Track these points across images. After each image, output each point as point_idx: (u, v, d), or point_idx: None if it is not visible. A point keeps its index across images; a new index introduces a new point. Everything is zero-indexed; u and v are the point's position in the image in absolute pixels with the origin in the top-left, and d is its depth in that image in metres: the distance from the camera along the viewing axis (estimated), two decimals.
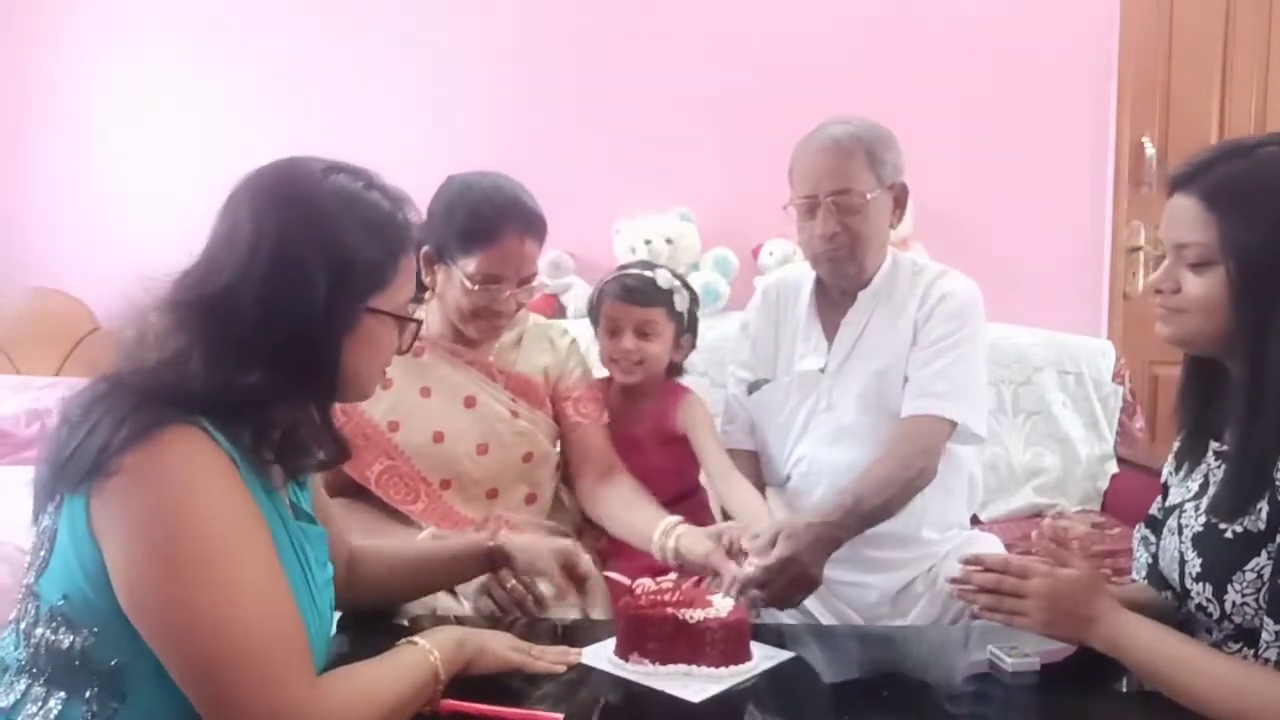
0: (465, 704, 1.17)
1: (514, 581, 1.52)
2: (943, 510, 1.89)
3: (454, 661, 1.17)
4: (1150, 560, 1.38)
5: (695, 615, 1.28)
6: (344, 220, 1.07)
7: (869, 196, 1.78)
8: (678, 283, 2.00)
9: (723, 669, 1.27)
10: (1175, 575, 1.29)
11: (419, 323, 1.18)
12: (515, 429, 1.83)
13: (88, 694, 0.99)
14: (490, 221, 1.70)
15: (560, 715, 1.15)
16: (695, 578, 1.45)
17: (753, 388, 1.99)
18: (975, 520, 2.46)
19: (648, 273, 1.99)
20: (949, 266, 1.95)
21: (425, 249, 1.76)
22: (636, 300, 1.95)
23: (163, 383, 1.00)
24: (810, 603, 1.85)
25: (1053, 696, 1.25)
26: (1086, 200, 3.24)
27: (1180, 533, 1.28)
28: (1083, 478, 2.82)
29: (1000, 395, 2.83)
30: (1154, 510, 1.41)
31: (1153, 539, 1.38)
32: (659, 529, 1.67)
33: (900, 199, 1.87)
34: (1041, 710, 1.25)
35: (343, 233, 1.06)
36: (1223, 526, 1.21)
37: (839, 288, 1.91)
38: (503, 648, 1.25)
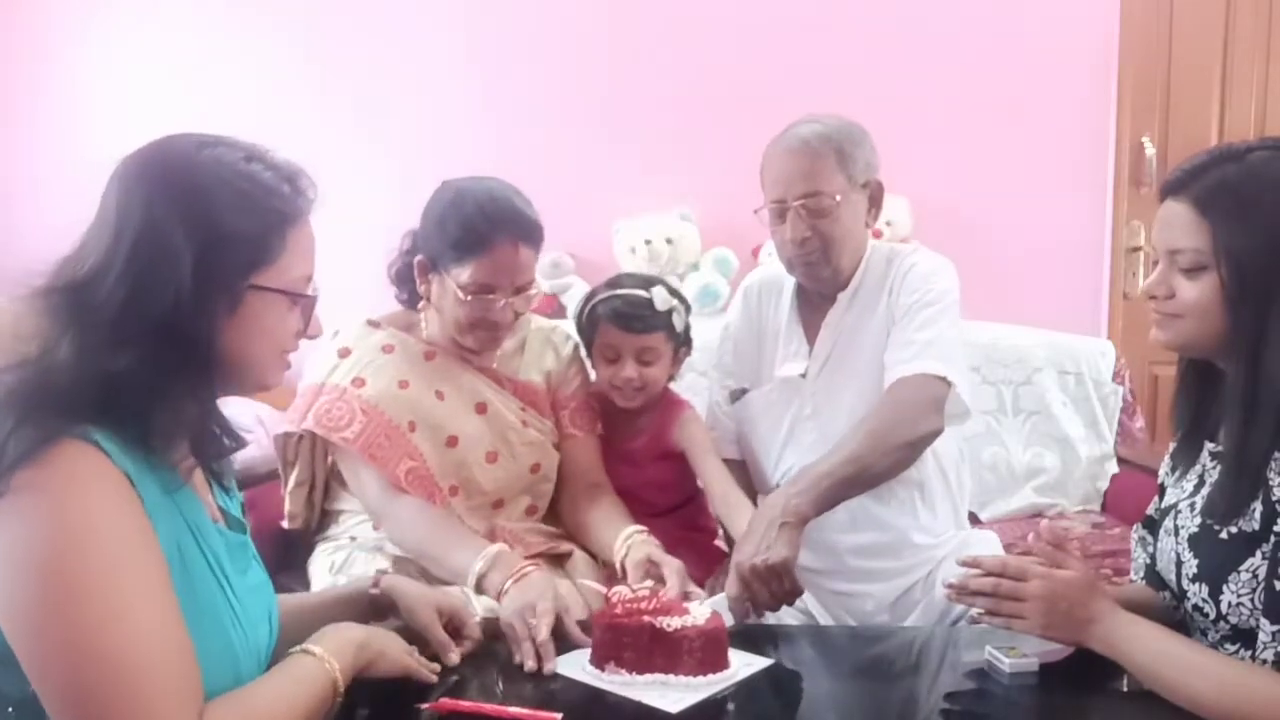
0: (465, 704, 1.18)
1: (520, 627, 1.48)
2: (930, 513, 1.84)
3: (353, 667, 1.13)
4: (1148, 561, 1.38)
5: (672, 623, 1.26)
6: (216, 194, 1.01)
7: (839, 198, 1.73)
8: (675, 300, 1.90)
9: (700, 678, 1.25)
10: (1172, 576, 1.29)
11: (314, 299, 1.11)
12: (525, 439, 1.82)
13: None
14: (482, 231, 1.66)
15: (559, 715, 1.15)
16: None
17: (734, 396, 1.94)
18: (975, 520, 2.46)
19: (642, 293, 1.87)
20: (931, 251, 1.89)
21: (419, 258, 1.75)
22: (635, 328, 1.85)
23: (40, 382, 0.95)
24: (813, 606, 1.83)
25: (1051, 697, 1.25)
26: (1086, 200, 3.24)
27: (1176, 534, 1.28)
28: (1083, 478, 2.82)
29: (1000, 395, 2.83)
30: (1150, 511, 1.41)
31: (1150, 540, 1.38)
32: (619, 540, 1.66)
33: (876, 197, 1.82)
34: (1040, 711, 1.26)
35: (213, 207, 1.00)
36: (1218, 527, 1.21)
37: (817, 290, 1.86)
38: (399, 652, 1.22)
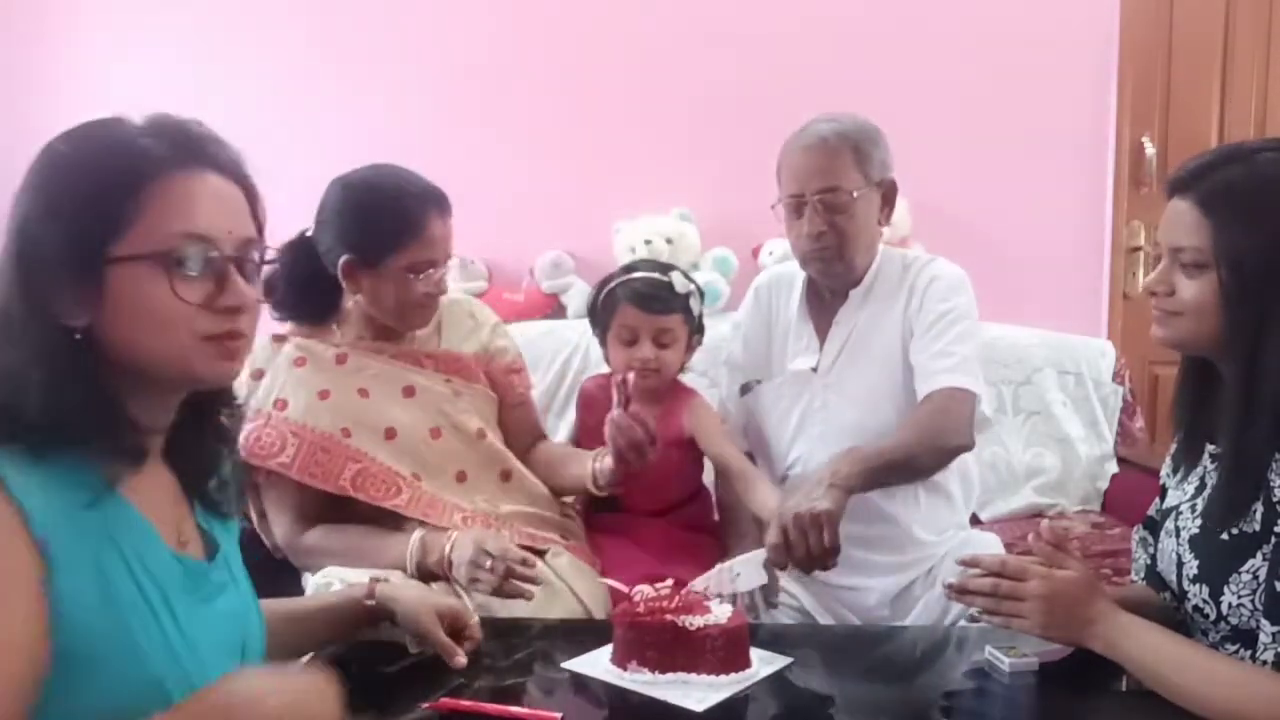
0: (465, 703, 1.18)
1: (491, 562, 1.54)
2: (933, 508, 1.87)
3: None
4: (1148, 561, 1.39)
5: (695, 622, 1.27)
6: (62, 171, 0.94)
7: (856, 194, 1.77)
8: (692, 285, 1.95)
9: (722, 676, 1.25)
10: (1173, 577, 1.29)
11: (207, 257, 0.95)
12: (460, 407, 1.84)
13: None
14: (414, 214, 1.72)
15: (559, 715, 1.16)
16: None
17: (745, 389, 1.98)
18: (975, 520, 2.46)
19: (661, 276, 1.93)
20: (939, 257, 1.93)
21: (345, 260, 1.74)
22: (654, 309, 1.90)
23: None
24: (810, 605, 1.85)
25: (1051, 697, 1.25)
26: (1086, 200, 3.24)
27: (1177, 535, 1.28)
28: (1083, 478, 2.81)
29: (1000, 395, 2.83)
30: (1151, 512, 1.42)
31: (1150, 540, 1.39)
32: (590, 457, 1.81)
33: (889, 196, 1.85)
34: (1040, 710, 1.26)
35: (59, 183, 0.93)
36: (1219, 529, 1.21)
37: (829, 287, 1.90)
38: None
